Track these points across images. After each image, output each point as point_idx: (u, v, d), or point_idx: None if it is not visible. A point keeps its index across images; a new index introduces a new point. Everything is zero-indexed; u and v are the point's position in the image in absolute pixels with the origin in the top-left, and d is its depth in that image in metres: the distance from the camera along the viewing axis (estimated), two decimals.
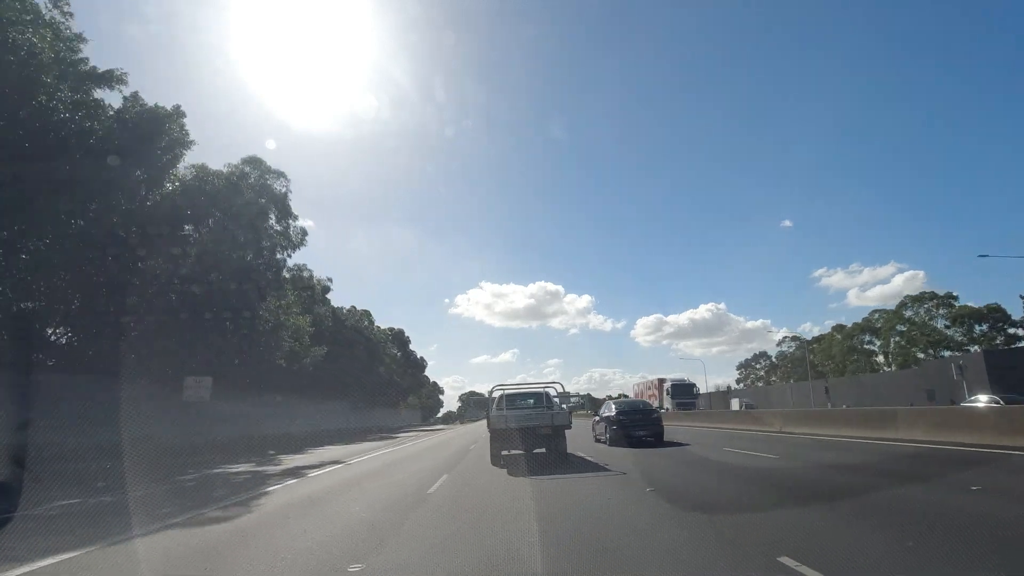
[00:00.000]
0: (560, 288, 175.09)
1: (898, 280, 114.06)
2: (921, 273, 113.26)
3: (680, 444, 17.18)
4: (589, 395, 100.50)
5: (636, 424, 17.94)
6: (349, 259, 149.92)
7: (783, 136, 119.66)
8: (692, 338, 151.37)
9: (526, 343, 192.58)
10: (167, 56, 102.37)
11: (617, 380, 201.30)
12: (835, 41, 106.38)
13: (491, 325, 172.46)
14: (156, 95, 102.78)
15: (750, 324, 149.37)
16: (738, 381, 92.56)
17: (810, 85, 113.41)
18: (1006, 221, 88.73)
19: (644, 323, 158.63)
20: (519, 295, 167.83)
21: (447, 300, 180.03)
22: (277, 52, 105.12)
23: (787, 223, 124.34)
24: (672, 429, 24.02)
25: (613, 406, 19.60)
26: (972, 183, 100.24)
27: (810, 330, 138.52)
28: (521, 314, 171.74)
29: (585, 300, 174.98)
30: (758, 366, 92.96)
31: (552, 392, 15.05)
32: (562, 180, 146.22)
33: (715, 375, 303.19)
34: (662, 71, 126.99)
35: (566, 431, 13.86)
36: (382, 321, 67.96)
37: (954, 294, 60.32)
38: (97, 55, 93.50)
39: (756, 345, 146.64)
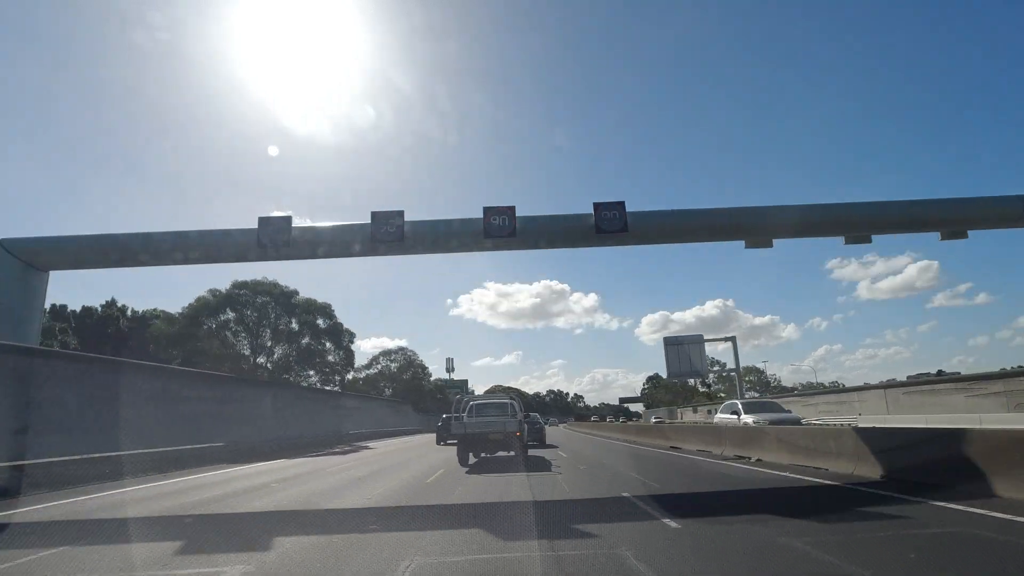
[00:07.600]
0: (566, 287, 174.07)
1: (911, 271, 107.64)
2: (936, 263, 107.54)
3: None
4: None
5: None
6: (348, 261, 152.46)
7: (799, 124, 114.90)
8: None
9: (530, 345, 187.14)
10: (172, 63, 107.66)
11: (620, 380, 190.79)
12: (853, 24, 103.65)
13: (494, 326, 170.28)
14: (161, 101, 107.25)
15: (758, 320, 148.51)
16: None
17: (826, 71, 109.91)
18: None
19: (650, 321, 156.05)
20: (524, 295, 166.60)
21: (449, 301, 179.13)
22: (281, 59, 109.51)
23: None
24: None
25: None
26: (989, 170, 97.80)
27: (819, 325, 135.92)
28: (526, 314, 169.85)
29: (592, 299, 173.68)
30: None
31: (514, 404, 16.69)
32: (568, 177, 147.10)
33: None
34: (669, 63, 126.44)
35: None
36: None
37: None
38: (104, 62, 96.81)
39: (763, 341, 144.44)
